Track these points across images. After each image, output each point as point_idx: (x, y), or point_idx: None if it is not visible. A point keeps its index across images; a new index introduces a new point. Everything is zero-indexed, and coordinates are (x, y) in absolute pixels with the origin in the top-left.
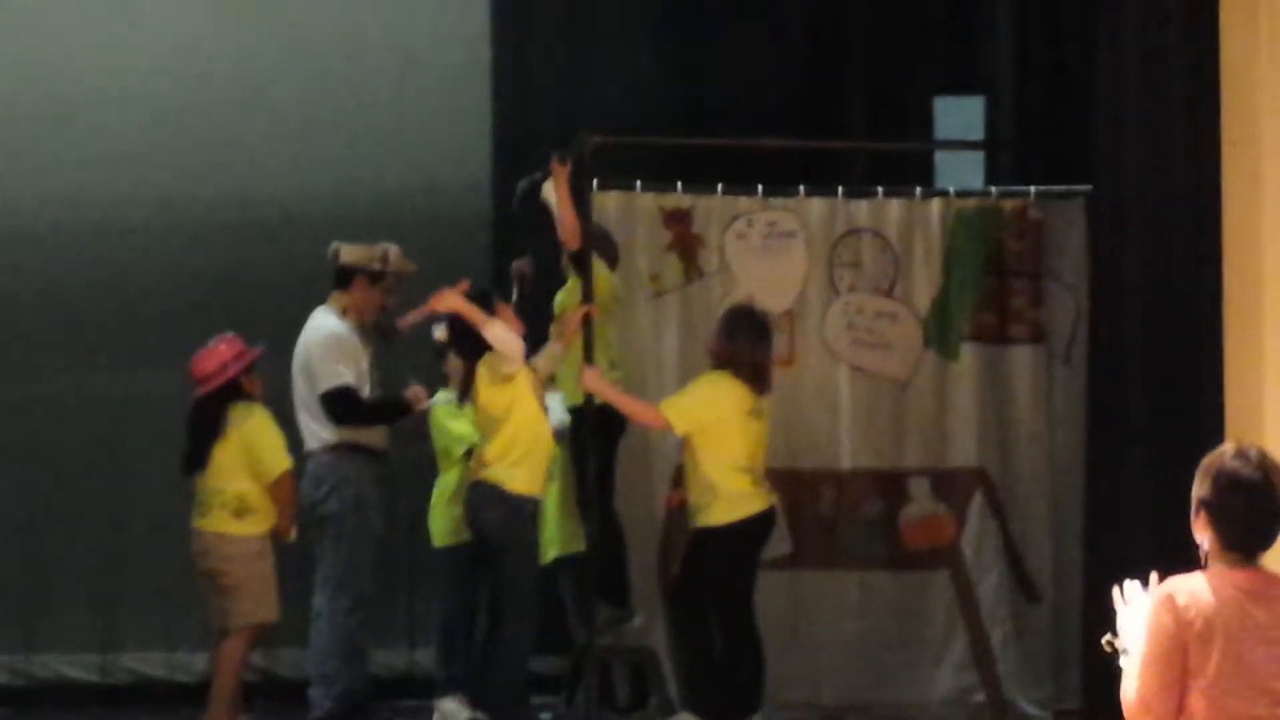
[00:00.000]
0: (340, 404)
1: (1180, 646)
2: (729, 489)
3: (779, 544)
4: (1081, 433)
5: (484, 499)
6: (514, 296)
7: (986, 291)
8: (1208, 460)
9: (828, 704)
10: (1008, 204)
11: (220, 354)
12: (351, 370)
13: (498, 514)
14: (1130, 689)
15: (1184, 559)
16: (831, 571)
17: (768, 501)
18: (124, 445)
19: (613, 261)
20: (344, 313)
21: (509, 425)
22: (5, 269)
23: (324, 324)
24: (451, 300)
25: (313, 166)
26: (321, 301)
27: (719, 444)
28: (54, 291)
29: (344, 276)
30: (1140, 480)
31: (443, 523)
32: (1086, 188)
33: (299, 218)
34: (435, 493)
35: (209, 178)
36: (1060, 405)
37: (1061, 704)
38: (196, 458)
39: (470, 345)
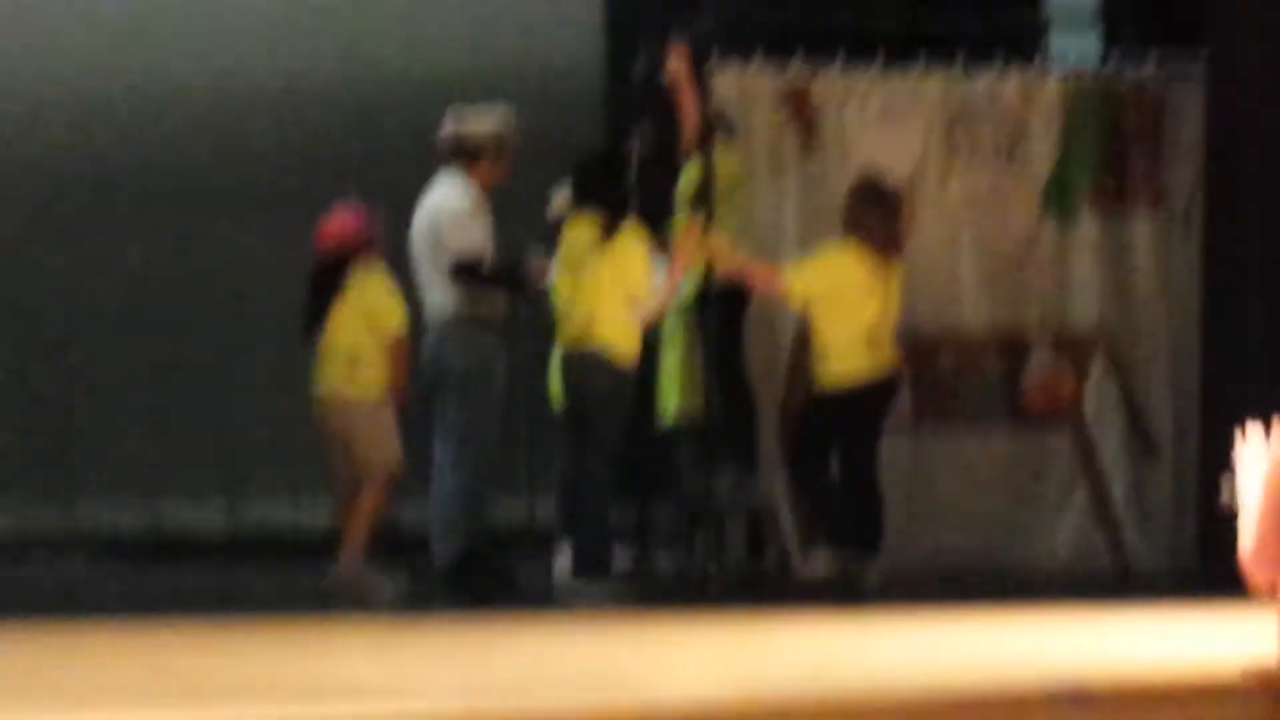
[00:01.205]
0: (468, 272)
1: None
2: (843, 355)
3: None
4: (1199, 294)
5: (592, 365)
6: (630, 174)
7: (1105, 159)
8: None
9: (950, 562)
10: (1126, 81)
11: (342, 219)
12: (477, 241)
13: (604, 383)
14: (1247, 541)
15: None
16: (953, 431)
17: (887, 368)
18: (247, 300)
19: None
20: (467, 182)
21: (619, 292)
22: (120, 135)
23: (451, 193)
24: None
25: (425, 38)
26: (436, 169)
27: (837, 313)
28: (175, 157)
29: (471, 149)
30: (1256, 337)
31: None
32: (1204, 51)
33: (413, 89)
34: (554, 358)
35: (322, 50)
36: (1179, 267)
37: (1180, 559)
38: (316, 317)
39: (609, 196)
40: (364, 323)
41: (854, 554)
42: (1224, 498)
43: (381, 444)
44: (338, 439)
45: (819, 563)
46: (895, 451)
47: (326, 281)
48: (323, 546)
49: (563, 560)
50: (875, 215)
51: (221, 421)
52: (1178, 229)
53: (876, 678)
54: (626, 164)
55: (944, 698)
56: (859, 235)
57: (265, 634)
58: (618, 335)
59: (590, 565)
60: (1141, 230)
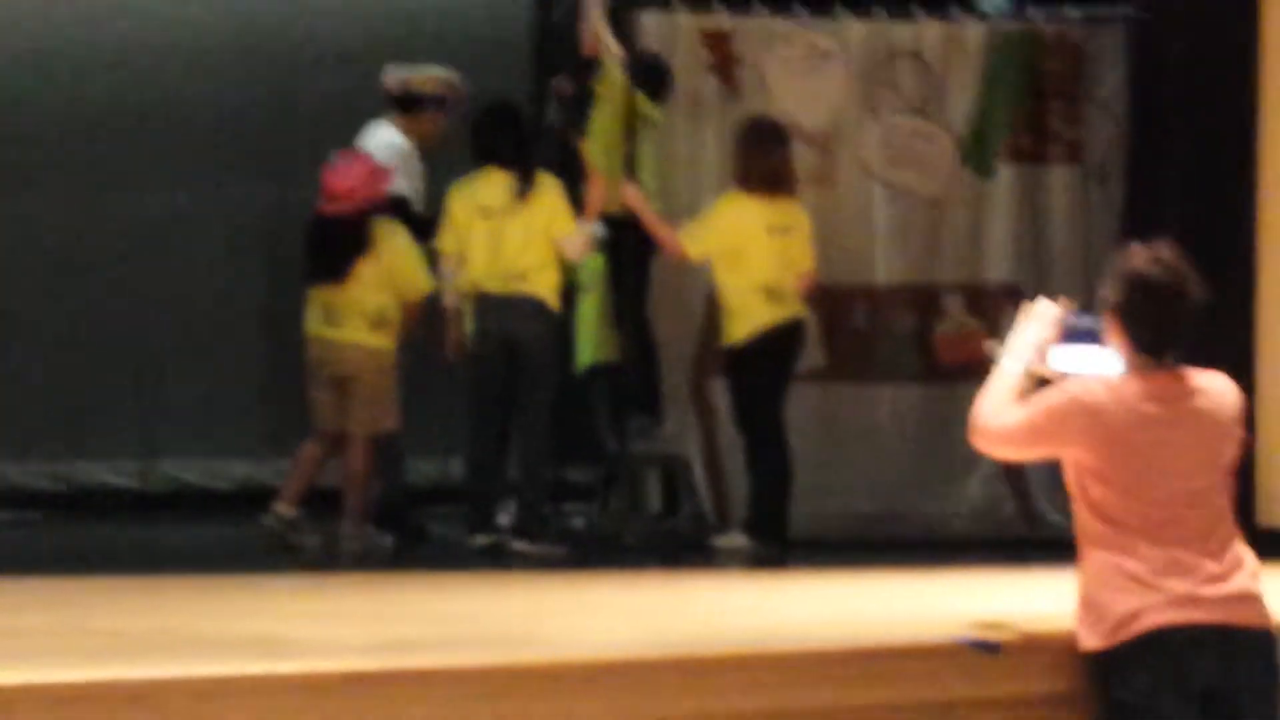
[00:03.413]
0: (395, 213)
1: (1064, 433)
2: (744, 306)
3: (814, 357)
4: (1115, 252)
5: (527, 312)
6: (553, 115)
7: (1024, 113)
8: (1117, 262)
9: (860, 514)
10: (1048, 28)
11: (356, 172)
12: (409, 185)
13: (542, 328)
14: (994, 410)
15: None
16: (865, 385)
17: (789, 313)
18: (165, 259)
19: (658, 89)
20: (405, 133)
21: (543, 242)
22: (50, 87)
23: (386, 135)
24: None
25: None
26: (367, 119)
27: (738, 265)
28: (95, 113)
29: (411, 102)
30: None
31: None
32: (1126, 10)
33: (341, 38)
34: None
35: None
36: (1095, 222)
37: None
38: (336, 270)
39: (509, 152)
40: (388, 280)
41: (764, 542)
42: (988, 356)
43: (387, 404)
44: (341, 389)
45: (732, 542)
46: (807, 403)
47: (347, 234)
48: (233, 503)
49: (504, 518)
50: (757, 154)
51: (136, 384)
52: (1095, 184)
53: (788, 632)
54: (518, 118)
55: (854, 649)
56: (745, 182)
57: (178, 590)
58: (545, 284)
59: (535, 523)
60: (1058, 185)
